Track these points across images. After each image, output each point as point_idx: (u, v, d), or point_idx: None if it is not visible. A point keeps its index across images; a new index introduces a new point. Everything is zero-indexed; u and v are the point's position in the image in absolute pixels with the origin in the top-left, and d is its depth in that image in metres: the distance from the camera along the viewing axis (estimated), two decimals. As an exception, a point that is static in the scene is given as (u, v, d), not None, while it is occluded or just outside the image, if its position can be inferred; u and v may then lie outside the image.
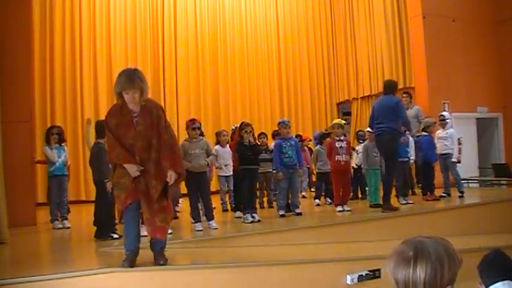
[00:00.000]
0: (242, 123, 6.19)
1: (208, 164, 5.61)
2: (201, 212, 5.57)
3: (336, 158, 6.37)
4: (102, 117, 8.82)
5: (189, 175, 5.37)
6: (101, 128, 5.19)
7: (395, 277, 1.36)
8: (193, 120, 5.61)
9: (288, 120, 6.54)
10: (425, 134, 7.07)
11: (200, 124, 5.63)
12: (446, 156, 7.04)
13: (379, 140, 6.06)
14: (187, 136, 5.62)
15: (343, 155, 6.40)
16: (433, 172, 7.02)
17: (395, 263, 1.37)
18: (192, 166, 5.30)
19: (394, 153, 6.02)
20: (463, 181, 8.14)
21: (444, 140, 7.07)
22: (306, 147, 8.49)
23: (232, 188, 6.97)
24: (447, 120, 7.17)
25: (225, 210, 7.20)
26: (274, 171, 7.25)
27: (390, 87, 6.20)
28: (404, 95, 7.64)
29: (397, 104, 5.92)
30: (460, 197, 6.89)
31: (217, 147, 6.69)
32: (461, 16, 9.72)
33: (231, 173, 6.81)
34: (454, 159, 7.03)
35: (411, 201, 6.68)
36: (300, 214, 6.09)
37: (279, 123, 6.47)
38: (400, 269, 1.35)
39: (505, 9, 10.06)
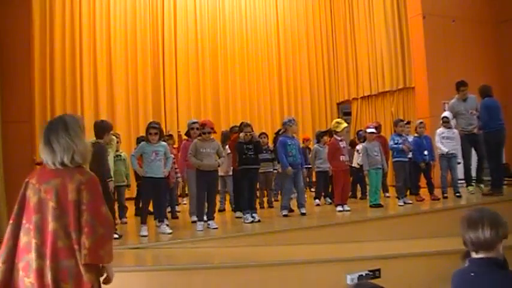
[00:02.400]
0: (241, 123, 6.20)
1: (219, 164, 5.61)
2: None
3: (341, 158, 6.43)
4: (102, 117, 8.94)
5: (199, 173, 5.39)
6: (99, 129, 5.19)
7: (467, 236, 1.90)
8: (203, 125, 5.57)
9: (294, 118, 6.51)
10: (416, 135, 7.08)
11: (212, 129, 5.55)
12: (452, 156, 7.03)
13: (499, 134, 6.82)
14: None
15: (346, 155, 6.57)
16: (426, 173, 7.05)
17: (467, 226, 1.90)
18: (202, 164, 5.33)
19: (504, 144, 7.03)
20: (462, 181, 8.13)
21: (451, 140, 7.06)
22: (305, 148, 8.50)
23: (225, 188, 7.06)
24: (451, 123, 7.14)
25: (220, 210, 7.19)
26: (275, 170, 7.30)
27: (490, 90, 7.09)
28: (462, 88, 7.31)
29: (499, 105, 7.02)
30: (457, 197, 6.92)
31: None
32: (461, 16, 9.71)
33: (226, 173, 6.86)
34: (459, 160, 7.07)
35: (410, 201, 6.69)
36: (304, 214, 6.08)
37: (287, 122, 6.36)
38: (471, 229, 1.88)
39: (505, 9, 10.05)
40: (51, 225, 2.00)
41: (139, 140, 6.35)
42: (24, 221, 2.07)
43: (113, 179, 5.25)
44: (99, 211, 2.05)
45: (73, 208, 2.01)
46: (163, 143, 5.39)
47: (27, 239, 2.03)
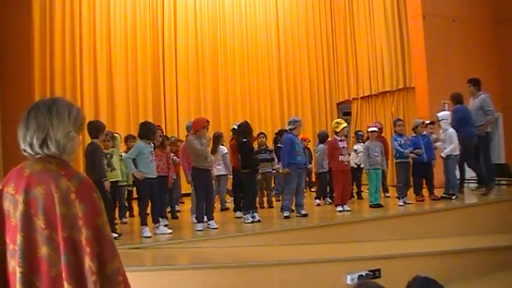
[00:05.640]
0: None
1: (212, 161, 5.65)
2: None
3: (340, 158, 6.42)
4: (102, 117, 8.94)
5: (196, 172, 5.37)
6: (94, 128, 5.19)
7: None
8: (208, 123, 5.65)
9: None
10: (414, 135, 7.07)
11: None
12: (445, 157, 7.04)
13: (472, 140, 7.02)
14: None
15: (346, 155, 6.53)
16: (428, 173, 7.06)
17: None
18: (201, 163, 5.33)
19: None
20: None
21: (444, 141, 7.07)
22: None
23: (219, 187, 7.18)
24: (441, 122, 7.12)
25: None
26: (274, 170, 7.32)
27: (462, 98, 7.18)
28: (468, 85, 7.29)
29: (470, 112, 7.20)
30: (452, 198, 6.86)
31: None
32: (461, 16, 9.71)
33: (222, 172, 6.98)
34: (442, 154, 7.02)
35: (410, 201, 6.69)
36: (305, 215, 6.01)
37: (298, 121, 6.25)
38: None
39: (505, 9, 10.06)
40: (42, 250, 1.56)
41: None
42: (7, 241, 1.61)
43: (107, 178, 5.22)
44: (95, 224, 1.59)
45: (61, 224, 1.55)
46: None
47: (14, 263, 1.59)
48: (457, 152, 7.03)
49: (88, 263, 1.54)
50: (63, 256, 1.54)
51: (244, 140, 5.91)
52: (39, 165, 1.62)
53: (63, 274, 1.53)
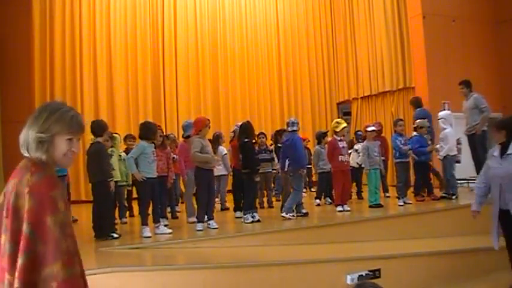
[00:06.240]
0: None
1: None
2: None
3: (340, 158, 6.43)
4: (102, 117, 8.94)
5: (199, 172, 5.37)
6: (98, 127, 5.17)
7: None
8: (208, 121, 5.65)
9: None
10: (415, 134, 7.06)
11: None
12: (443, 157, 7.04)
13: None
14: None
15: (346, 155, 6.55)
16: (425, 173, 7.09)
17: None
18: (213, 160, 5.43)
19: None
20: (463, 181, 8.13)
21: (441, 141, 7.08)
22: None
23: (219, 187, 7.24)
24: (439, 121, 7.12)
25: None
26: (274, 170, 7.35)
27: (421, 101, 7.52)
28: (459, 87, 7.32)
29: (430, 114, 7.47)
30: (452, 198, 6.84)
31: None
32: (461, 16, 9.72)
33: (222, 172, 7.02)
34: (439, 156, 7.01)
35: (410, 201, 6.69)
36: (306, 214, 6.07)
37: (297, 122, 6.38)
38: None
39: (505, 9, 10.06)
40: (2, 238, 1.58)
41: None
42: None
43: (113, 178, 5.22)
44: (42, 222, 1.51)
45: (12, 215, 1.54)
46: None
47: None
48: (454, 152, 7.03)
49: (18, 258, 1.50)
50: (8, 245, 1.53)
51: (246, 140, 5.90)
52: (24, 162, 1.69)
53: (6, 264, 1.52)
